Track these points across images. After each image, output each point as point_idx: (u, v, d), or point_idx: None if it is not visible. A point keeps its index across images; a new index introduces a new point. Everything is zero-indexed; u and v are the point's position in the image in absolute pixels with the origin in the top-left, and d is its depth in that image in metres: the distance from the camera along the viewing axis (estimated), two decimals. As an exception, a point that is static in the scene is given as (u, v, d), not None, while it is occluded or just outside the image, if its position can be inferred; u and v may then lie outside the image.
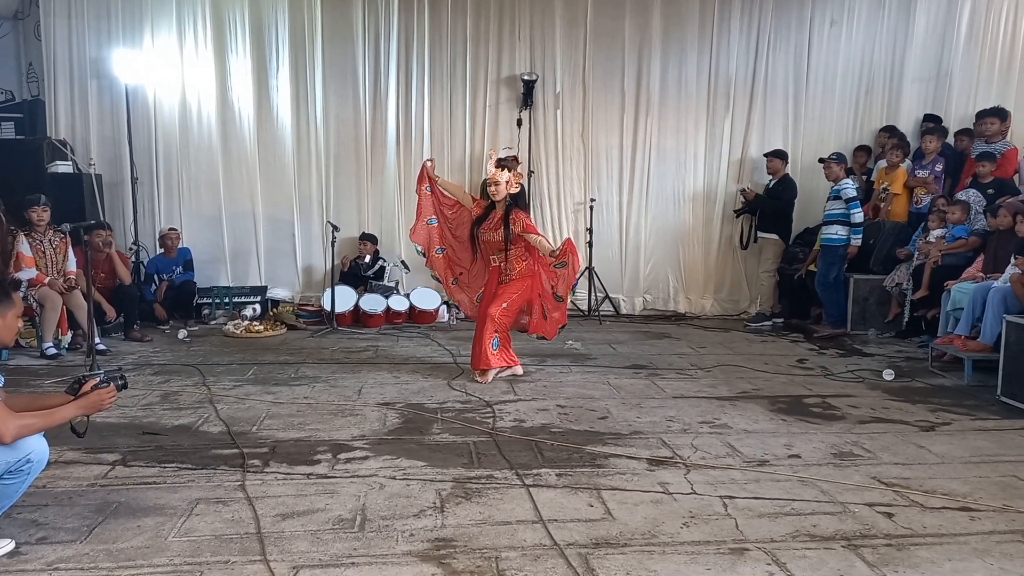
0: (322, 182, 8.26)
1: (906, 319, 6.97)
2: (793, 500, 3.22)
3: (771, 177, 8.01)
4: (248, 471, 3.48)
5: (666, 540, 2.84)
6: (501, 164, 5.32)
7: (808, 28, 8.33)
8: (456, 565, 2.63)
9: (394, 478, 3.42)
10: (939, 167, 7.41)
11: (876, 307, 7.29)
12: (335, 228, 7.50)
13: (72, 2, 7.79)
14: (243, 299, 7.79)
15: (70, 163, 7.59)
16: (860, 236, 7.09)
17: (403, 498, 3.19)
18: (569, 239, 5.35)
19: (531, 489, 3.29)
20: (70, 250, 6.35)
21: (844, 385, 5.32)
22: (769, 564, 2.66)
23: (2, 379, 2.75)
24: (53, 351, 5.95)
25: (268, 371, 5.55)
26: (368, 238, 8.10)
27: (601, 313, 8.15)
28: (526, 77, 8.09)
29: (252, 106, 8.08)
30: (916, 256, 6.86)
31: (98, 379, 2.86)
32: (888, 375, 5.51)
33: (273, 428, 4.16)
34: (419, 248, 5.67)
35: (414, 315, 7.69)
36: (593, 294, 8.19)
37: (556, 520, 2.98)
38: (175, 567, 2.59)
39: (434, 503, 3.14)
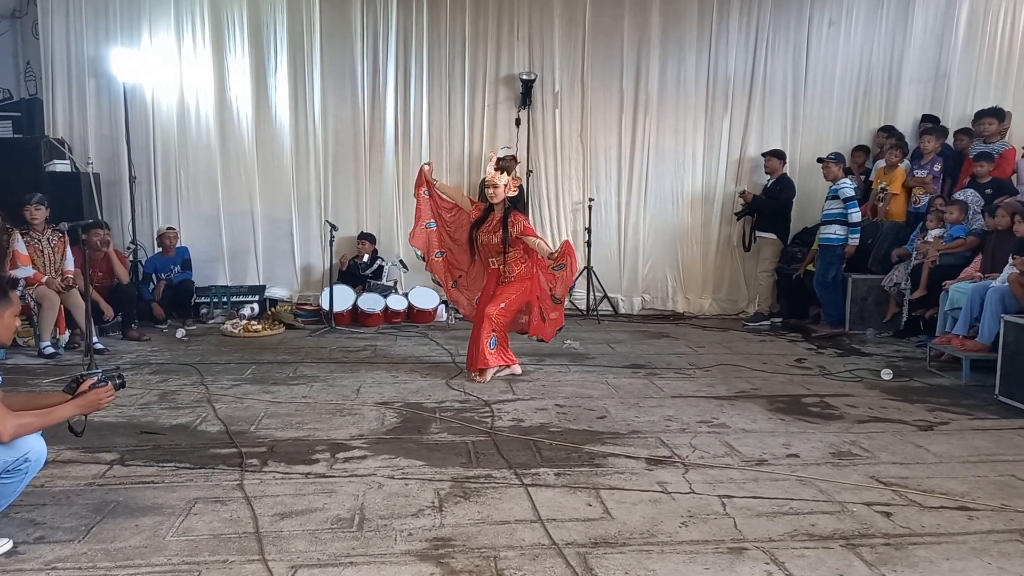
0: (320, 181, 8.26)
1: (904, 319, 6.98)
2: (791, 499, 3.22)
3: (769, 177, 8.02)
4: (246, 470, 3.47)
5: (665, 539, 2.84)
6: (500, 167, 5.32)
7: (807, 28, 8.35)
8: (455, 564, 2.62)
9: (392, 477, 3.41)
10: (937, 167, 7.42)
11: (874, 307, 7.30)
12: (333, 227, 7.50)
13: (70, 1, 7.79)
14: (241, 298, 7.79)
15: (68, 162, 7.58)
16: (858, 236, 7.10)
17: (401, 497, 3.19)
18: (567, 241, 5.35)
19: (530, 488, 3.29)
20: (68, 249, 6.35)
21: (842, 385, 5.33)
22: (767, 563, 2.66)
23: (0, 378, 2.74)
24: (51, 350, 5.94)
25: (266, 370, 5.54)
26: (366, 237, 8.10)
27: (600, 313, 8.15)
28: (525, 76, 8.09)
29: (250, 105, 8.08)
30: (914, 256, 6.88)
31: (96, 378, 2.86)
32: (886, 375, 5.51)
33: (271, 427, 4.15)
34: (419, 252, 5.67)
35: (412, 314, 7.69)
36: (592, 294, 8.20)
37: (555, 519, 2.98)
38: (173, 566, 2.59)
39: (432, 502, 3.14)
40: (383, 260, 8.11)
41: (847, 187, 7.10)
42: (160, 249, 7.69)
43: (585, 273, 8.05)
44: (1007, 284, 5.28)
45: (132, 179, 7.81)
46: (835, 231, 7.12)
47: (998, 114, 7.30)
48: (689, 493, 3.28)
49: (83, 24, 7.83)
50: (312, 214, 8.28)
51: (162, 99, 8.00)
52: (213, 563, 2.61)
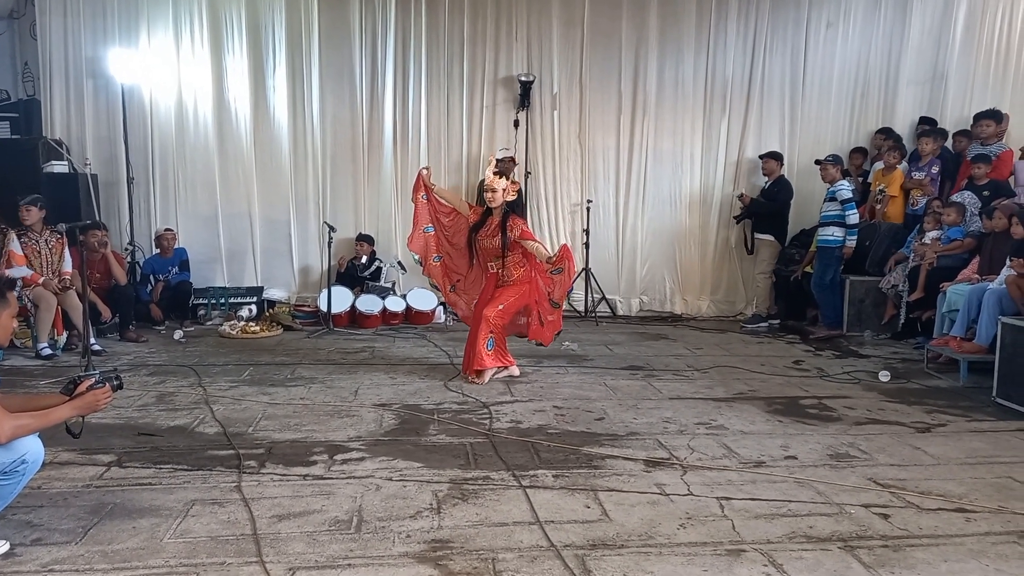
0: (319, 182, 8.26)
1: (902, 321, 6.99)
2: (789, 501, 3.23)
3: (767, 178, 8.03)
4: (244, 472, 3.47)
5: (663, 541, 2.84)
6: (499, 171, 5.32)
7: (804, 30, 8.36)
8: (453, 566, 2.62)
9: (390, 479, 3.41)
10: (935, 169, 7.43)
11: (872, 309, 7.31)
12: (331, 229, 7.50)
13: (68, 1, 7.79)
14: (239, 300, 7.77)
15: (66, 163, 7.57)
16: (855, 238, 7.11)
17: (399, 499, 3.18)
18: (565, 246, 5.36)
19: (528, 490, 3.29)
20: (66, 250, 6.34)
21: (840, 386, 5.33)
22: (766, 565, 2.66)
23: (-3, 380, 2.74)
24: (48, 351, 5.93)
25: (264, 372, 5.53)
26: (365, 239, 8.09)
27: (598, 314, 8.15)
28: (523, 78, 8.10)
29: (249, 106, 8.07)
30: (912, 258, 6.89)
31: (93, 380, 2.85)
32: (884, 376, 5.52)
33: (269, 429, 4.15)
34: (416, 257, 5.67)
35: (410, 316, 7.69)
36: (590, 295, 8.20)
37: (553, 521, 2.98)
38: (171, 568, 2.58)
39: (431, 504, 3.14)
40: (381, 261, 8.11)
41: (845, 189, 7.11)
42: (158, 250, 7.69)
43: (583, 275, 8.05)
44: (1004, 286, 5.29)
45: (130, 180, 7.80)
46: (833, 233, 7.13)
47: (996, 116, 7.31)
48: (687, 495, 3.28)
49: (81, 25, 7.82)
50: (310, 215, 8.28)
51: (160, 100, 7.99)
52: (211, 565, 2.60)
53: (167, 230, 7.73)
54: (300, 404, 4.67)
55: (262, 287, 8.11)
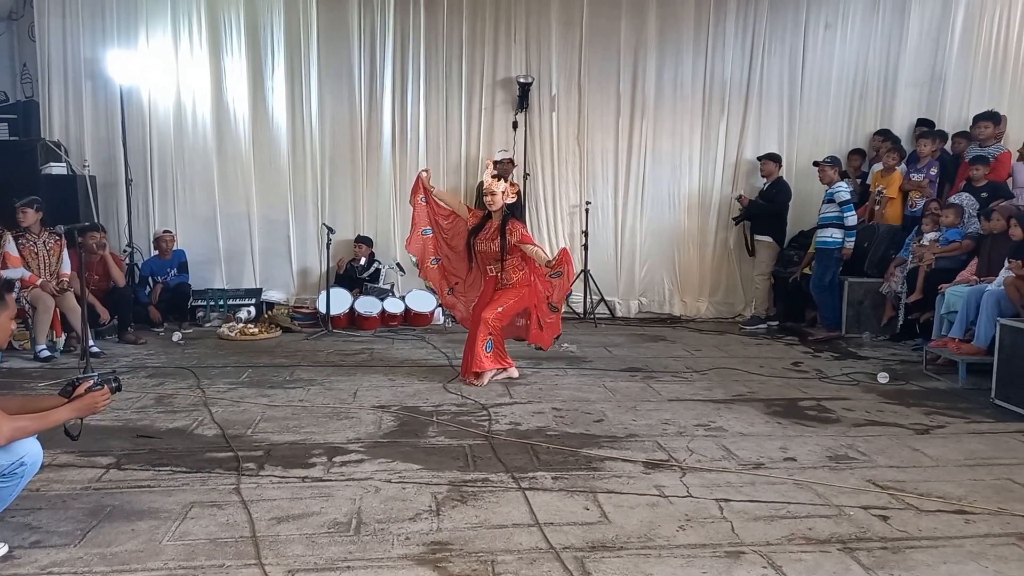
0: (318, 184, 8.25)
1: (900, 322, 7.00)
2: (789, 503, 3.23)
3: (765, 180, 8.04)
4: (243, 474, 3.46)
5: (662, 543, 2.83)
6: (498, 175, 5.32)
7: (803, 32, 8.37)
8: (452, 569, 2.62)
9: (390, 481, 3.41)
10: (934, 171, 7.44)
11: (871, 310, 7.31)
12: (330, 230, 7.50)
13: (67, 2, 7.78)
14: (238, 301, 7.77)
15: (64, 164, 7.56)
16: (853, 239, 7.12)
17: (399, 501, 3.18)
18: (565, 249, 5.36)
19: (527, 492, 3.29)
20: (65, 252, 6.33)
21: (839, 388, 5.33)
22: (765, 567, 2.66)
23: (-4, 382, 2.74)
24: (46, 353, 5.92)
25: (263, 374, 5.53)
26: (363, 241, 8.09)
27: (597, 316, 8.15)
28: (522, 79, 8.10)
29: (247, 107, 8.07)
30: (910, 259, 6.89)
31: (92, 381, 2.85)
32: (883, 378, 5.52)
33: (268, 431, 4.14)
34: (414, 259, 5.67)
35: (409, 317, 7.68)
36: (589, 297, 8.20)
37: (552, 523, 2.98)
38: (169, 571, 2.58)
39: (430, 506, 3.13)
40: (380, 263, 8.11)
41: (843, 190, 7.12)
42: (156, 252, 7.68)
43: (582, 276, 8.05)
44: (1003, 288, 5.30)
45: (128, 182, 7.80)
46: (831, 234, 7.14)
47: (994, 118, 7.33)
48: (686, 497, 3.28)
49: (79, 26, 7.82)
50: (309, 217, 8.27)
51: (159, 101, 7.99)
52: (210, 567, 2.60)
53: (166, 232, 7.72)
54: (299, 406, 4.66)
55: (261, 289, 8.11)
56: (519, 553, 2.74)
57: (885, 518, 3.09)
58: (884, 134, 8.08)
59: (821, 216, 7.30)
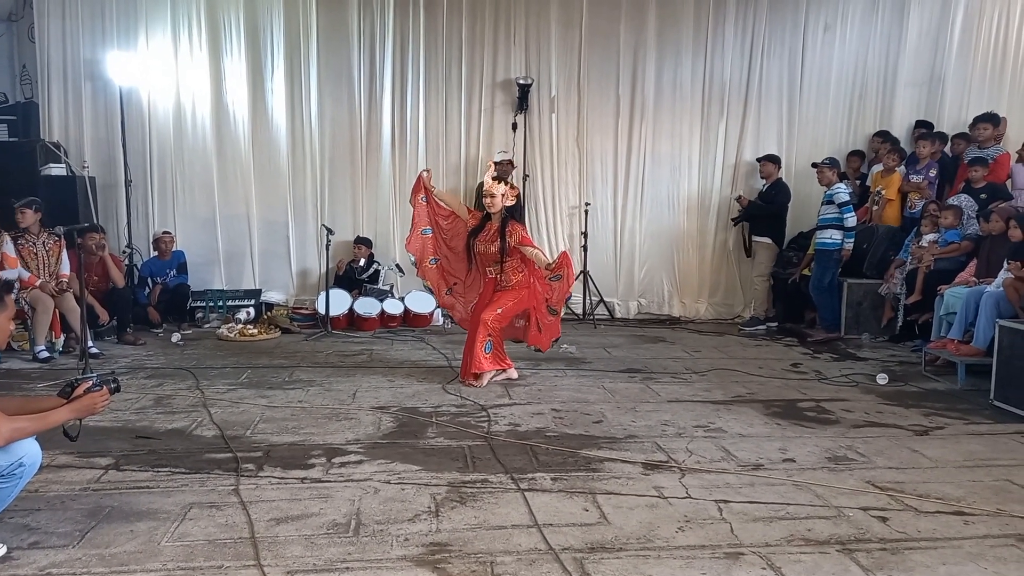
0: (317, 185, 8.25)
1: (899, 323, 7.00)
2: (788, 504, 3.23)
3: (765, 181, 8.04)
4: (242, 475, 3.46)
5: (661, 544, 2.83)
6: (498, 177, 5.32)
7: (802, 33, 8.38)
8: (451, 570, 2.62)
9: (389, 482, 3.41)
10: (933, 172, 7.44)
11: (870, 311, 7.32)
12: (330, 232, 7.49)
13: (66, 4, 7.79)
14: (237, 302, 7.77)
15: (63, 166, 7.56)
16: (852, 240, 7.13)
17: (398, 502, 3.18)
18: (565, 252, 5.36)
19: (526, 493, 3.29)
20: (64, 253, 6.33)
21: (838, 389, 5.33)
22: (764, 568, 2.66)
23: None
24: (45, 354, 5.92)
25: (262, 375, 5.53)
26: (363, 242, 8.09)
27: (596, 317, 8.15)
28: (521, 81, 8.10)
29: (247, 108, 8.07)
30: (909, 261, 6.90)
31: (91, 382, 2.85)
32: (882, 379, 5.52)
33: (267, 432, 4.14)
34: (412, 258, 5.67)
35: (409, 318, 7.68)
36: (588, 298, 8.20)
37: (551, 525, 2.98)
38: (168, 572, 2.58)
39: (429, 507, 3.13)
40: (379, 264, 8.11)
41: (842, 192, 7.13)
42: (156, 253, 7.68)
43: (581, 277, 8.05)
44: (1002, 289, 5.30)
45: (128, 183, 7.79)
46: (831, 235, 7.14)
47: (993, 119, 7.34)
48: (685, 498, 3.27)
49: (79, 27, 7.82)
50: (308, 218, 8.27)
51: (158, 102, 7.99)
52: (208, 568, 2.60)
53: (165, 233, 7.72)
54: (298, 407, 4.66)
55: (260, 290, 8.11)
56: (518, 554, 2.74)
57: (884, 519, 3.09)
58: (883, 135, 8.08)
59: (820, 217, 7.30)
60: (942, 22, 8.37)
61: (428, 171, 5.75)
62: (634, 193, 8.47)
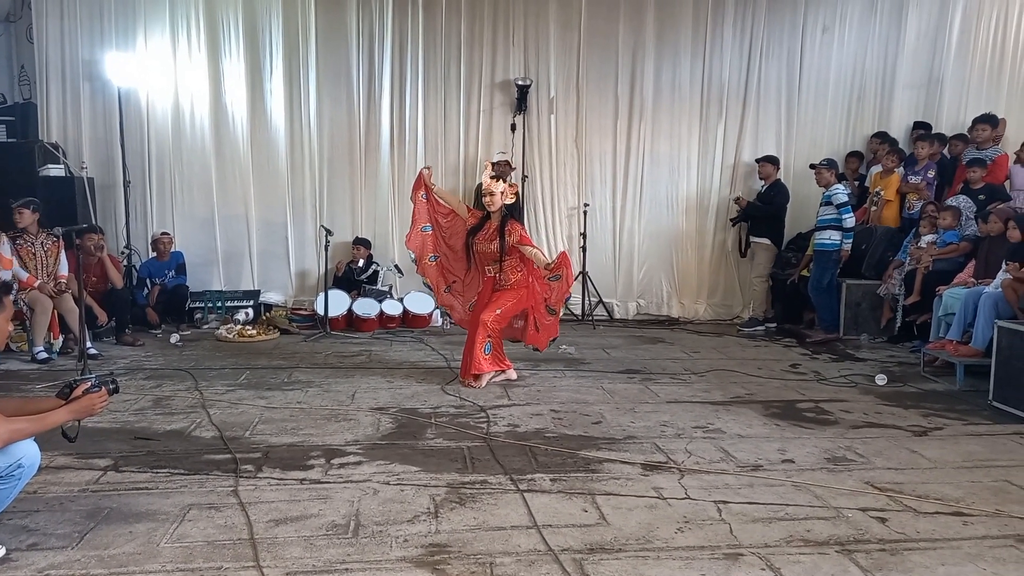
0: (316, 185, 8.25)
1: (898, 324, 7.00)
2: (787, 505, 3.23)
3: (763, 182, 8.05)
4: (241, 476, 3.46)
5: (660, 545, 2.83)
6: (496, 175, 5.33)
7: (800, 34, 8.39)
8: (450, 571, 2.62)
9: (388, 483, 3.40)
10: (931, 173, 7.45)
11: (868, 312, 7.32)
12: (328, 232, 7.49)
13: (65, 4, 7.77)
14: (236, 303, 7.76)
15: (62, 166, 7.55)
16: (851, 241, 7.13)
17: (397, 503, 3.18)
18: (564, 253, 5.37)
19: (525, 494, 3.29)
20: (62, 254, 6.32)
21: (837, 390, 5.34)
22: (763, 569, 2.66)
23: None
24: (44, 355, 5.92)
25: (261, 376, 5.53)
26: (362, 242, 8.08)
27: (595, 318, 8.15)
28: (520, 82, 8.10)
29: (246, 109, 8.07)
30: (908, 261, 6.90)
31: (90, 383, 2.84)
32: (880, 380, 5.52)
33: (266, 433, 4.14)
34: (412, 255, 5.67)
35: (408, 319, 7.68)
36: (587, 299, 8.20)
37: (551, 525, 2.98)
38: (167, 573, 2.58)
39: (428, 508, 3.13)
40: (378, 265, 8.10)
41: (840, 193, 7.13)
42: (154, 254, 7.67)
43: (580, 278, 8.05)
44: (1000, 290, 5.31)
45: (126, 183, 7.78)
46: (829, 236, 7.15)
47: (991, 121, 7.35)
48: (685, 499, 3.28)
49: (78, 28, 7.81)
50: (307, 219, 8.27)
51: (157, 103, 7.98)
52: (208, 570, 2.60)
53: (163, 233, 7.71)
54: (297, 408, 4.66)
55: (259, 291, 8.11)
56: (517, 555, 2.74)
57: (883, 520, 3.09)
58: (882, 136, 8.09)
59: (819, 218, 7.31)
60: (940, 24, 8.38)
61: (429, 168, 5.74)
62: (633, 194, 8.47)
